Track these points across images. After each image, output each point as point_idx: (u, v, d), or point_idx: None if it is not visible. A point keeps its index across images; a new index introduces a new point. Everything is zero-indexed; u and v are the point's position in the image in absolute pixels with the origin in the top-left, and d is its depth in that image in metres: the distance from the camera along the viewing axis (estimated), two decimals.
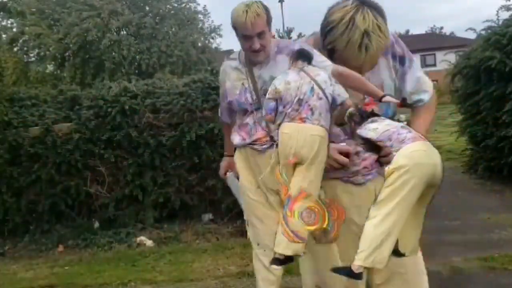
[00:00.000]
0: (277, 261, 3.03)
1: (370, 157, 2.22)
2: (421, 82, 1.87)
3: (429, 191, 2.99)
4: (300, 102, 2.59)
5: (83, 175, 4.51)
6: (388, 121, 2.86)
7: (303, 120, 2.53)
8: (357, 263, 2.88)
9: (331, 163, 1.99)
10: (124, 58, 12.89)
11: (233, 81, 2.18)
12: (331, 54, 1.79)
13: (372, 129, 2.91)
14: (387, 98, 2.42)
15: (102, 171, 4.50)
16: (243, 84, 2.15)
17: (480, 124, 5.71)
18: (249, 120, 2.22)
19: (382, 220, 2.64)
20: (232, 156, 2.31)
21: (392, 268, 2.11)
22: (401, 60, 1.83)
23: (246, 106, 2.16)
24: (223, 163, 2.50)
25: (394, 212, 2.68)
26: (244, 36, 2.03)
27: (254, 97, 2.15)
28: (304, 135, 2.12)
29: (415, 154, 2.80)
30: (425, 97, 1.89)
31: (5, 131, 4.54)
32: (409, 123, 2.03)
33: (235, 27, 2.09)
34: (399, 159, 2.80)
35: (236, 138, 2.25)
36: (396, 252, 2.88)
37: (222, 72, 2.25)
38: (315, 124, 2.18)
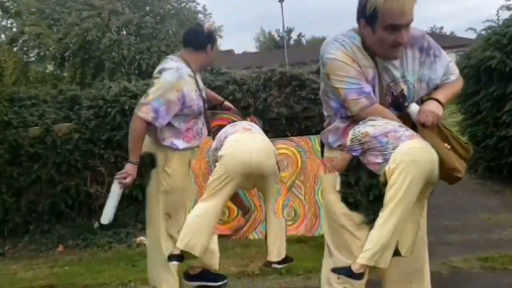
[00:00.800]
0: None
1: None
2: (449, 67, 1.95)
3: (427, 189, 3.10)
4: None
5: (83, 175, 4.51)
6: (386, 120, 3.04)
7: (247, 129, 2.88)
8: (361, 262, 2.98)
9: None
10: (124, 58, 12.86)
11: (190, 87, 2.36)
12: (374, 19, 1.72)
13: (370, 125, 3.09)
14: (226, 104, 2.71)
15: (102, 171, 4.49)
16: (196, 90, 2.39)
17: (480, 124, 5.72)
18: (200, 122, 2.49)
19: (387, 219, 2.77)
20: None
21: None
22: (427, 52, 1.88)
23: (202, 110, 2.46)
24: (133, 170, 2.33)
25: (396, 210, 2.80)
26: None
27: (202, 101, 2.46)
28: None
29: (412, 151, 2.93)
30: (452, 77, 1.95)
31: (5, 131, 4.55)
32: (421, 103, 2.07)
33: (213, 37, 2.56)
34: (397, 156, 2.93)
35: (180, 143, 2.40)
36: (395, 252, 2.97)
37: (181, 79, 2.32)
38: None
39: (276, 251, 3.29)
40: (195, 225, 3.03)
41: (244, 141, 2.85)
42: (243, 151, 2.83)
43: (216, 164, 2.72)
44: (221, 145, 2.83)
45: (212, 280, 2.74)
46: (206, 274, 2.78)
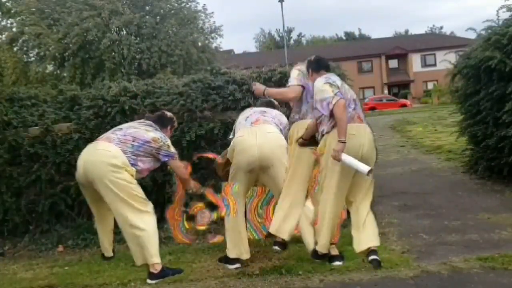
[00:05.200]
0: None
1: None
2: None
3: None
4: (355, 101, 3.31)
5: None
6: None
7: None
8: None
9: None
10: (124, 58, 12.86)
11: None
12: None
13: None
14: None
15: None
16: None
17: (480, 124, 5.70)
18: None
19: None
20: None
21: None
22: None
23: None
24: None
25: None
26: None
27: None
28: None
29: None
30: None
31: (5, 131, 4.55)
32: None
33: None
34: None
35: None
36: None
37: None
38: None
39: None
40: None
41: (249, 137, 3.14)
42: (248, 147, 3.25)
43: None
44: (240, 125, 3.51)
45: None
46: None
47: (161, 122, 3.63)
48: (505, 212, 4.41)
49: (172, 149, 3.51)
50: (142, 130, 3.44)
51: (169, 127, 3.70)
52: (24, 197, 4.53)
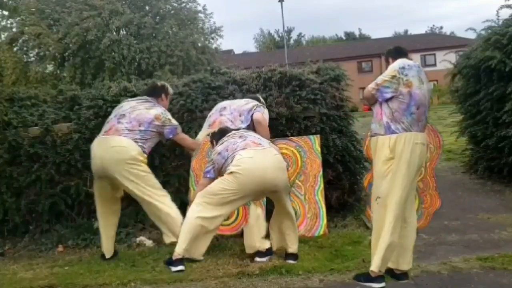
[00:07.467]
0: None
1: None
2: None
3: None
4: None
5: (83, 175, 4.51)
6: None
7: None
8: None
9: None
10: (124, 58, 12.86)
11: None
12: None
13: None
14: None
15: None
16: None
17: (480, 124, 5.71)
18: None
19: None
20: None
21: None
22: None
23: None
24: None
25: None
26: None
27: None
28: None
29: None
30: None
31: (5, 131, 4.54)
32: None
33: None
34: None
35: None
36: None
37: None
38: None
39: (297, 244, 3.38)
40: (197, 232, 3.16)
41: (259, 158, 3.05)
42: (258, 169, 3.01)
43: (227, 176, 3.17)
44: (231, 157, 3.08)
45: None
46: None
47: (154, 93, 3.72)
48: (505, 212, 4.42)
49: (174, 121, 3.60)
50: (143, 110, 3.52)
51: (163, 95, 3.77)
52: (24, 197, 4.53)
